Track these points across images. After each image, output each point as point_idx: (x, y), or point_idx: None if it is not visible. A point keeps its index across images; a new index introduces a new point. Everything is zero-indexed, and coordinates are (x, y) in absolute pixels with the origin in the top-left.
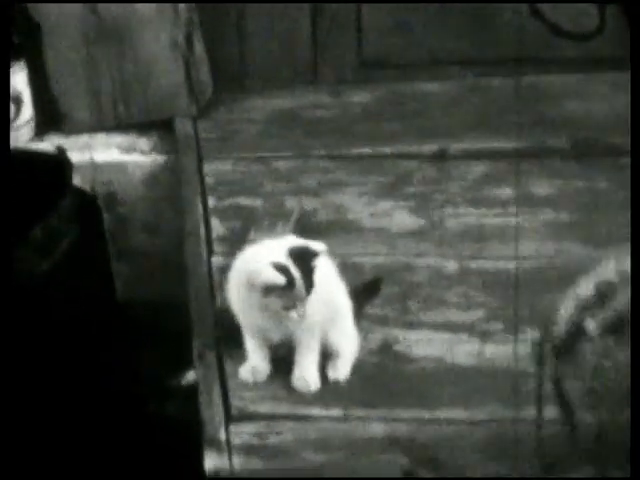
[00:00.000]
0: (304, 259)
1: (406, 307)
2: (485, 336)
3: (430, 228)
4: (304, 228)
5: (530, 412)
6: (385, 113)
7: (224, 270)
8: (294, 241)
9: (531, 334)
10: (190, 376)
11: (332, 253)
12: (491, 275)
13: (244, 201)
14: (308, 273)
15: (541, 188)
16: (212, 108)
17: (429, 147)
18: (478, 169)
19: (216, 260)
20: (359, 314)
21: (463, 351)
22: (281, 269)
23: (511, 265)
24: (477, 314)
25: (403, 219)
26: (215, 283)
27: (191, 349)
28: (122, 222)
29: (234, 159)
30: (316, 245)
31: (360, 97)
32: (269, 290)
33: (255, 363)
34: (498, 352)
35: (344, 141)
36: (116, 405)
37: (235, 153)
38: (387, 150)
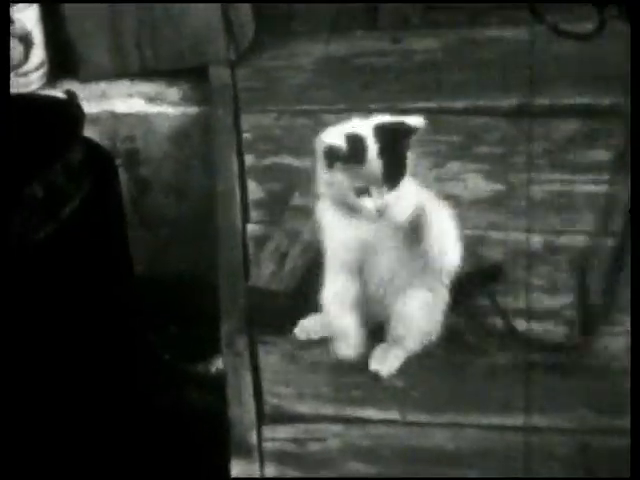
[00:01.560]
0: (393, 135)
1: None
2: (575, 326)
3: (508, 196)
4: None
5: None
6: (453, 62)
7: (261, 241)
8: (387, 118)
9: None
10: (220, 364)
11: None
12: (582, 253)
13: (287, 160)
14: (396, 154)
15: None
16: (252, 53)
17: (507, 101)
18: (566, 127)
19: (252, 228)
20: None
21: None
22: (350, 137)
23: (607, 242)
24: (565, 299)
25: (476, 184)
26: (250, 256)
27: (221, 333)
28: (145, 184)
29: (277, 112)
30: (414, 120)
31: (424, 44)
32: (331, 157)
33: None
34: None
35: (406, 94)
36: (130, 396)
37: (278, 105)
38: (457, 105)
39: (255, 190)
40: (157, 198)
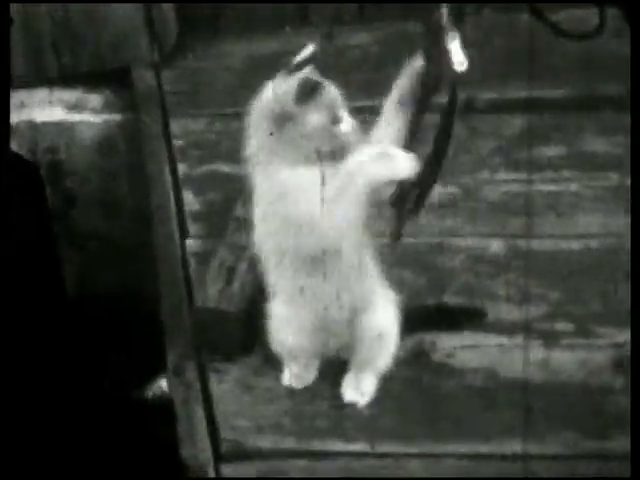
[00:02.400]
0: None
1: (441, 302)
2: (550, 340)
3: (462, 199)
4: None
5: (620, 443)
6: (390, 58)
7: (203, 257)
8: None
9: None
10: (160, 387)
11: None
12: (548, 258)
13: (224, 168)
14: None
15: (599, 145)
16: (178, 54)
17: None
18: (516, 123)
19: (192, 244)
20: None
21: (521, 360)
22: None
23: (575, 245)
24: (536, 310)
25: None
26: (192, 274)
27: (162, 355)
28: (70, 198)
29: (208, 116)
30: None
31: (358, 39)
32: (304, 96)
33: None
34: (568, 361)
35: (342, 93)
36: (63, 423)
37: (209, 109)
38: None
39: (192, 201)
40: (85, 212)
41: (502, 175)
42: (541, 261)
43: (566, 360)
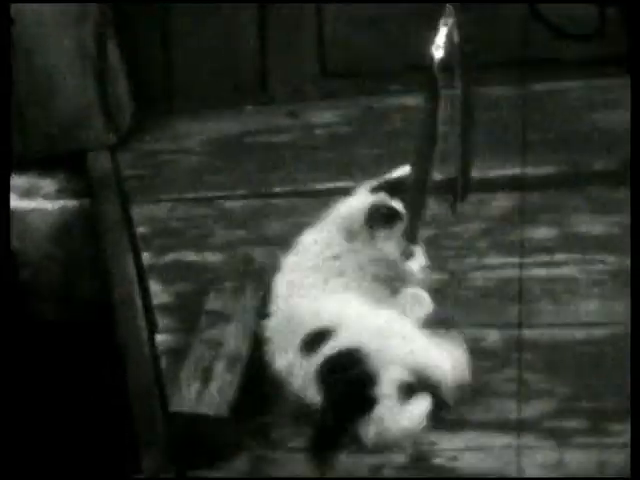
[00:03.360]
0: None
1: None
2: (561, 438)
3: (449, 285)
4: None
5: None
6: (360, 135)
7: (175, 354)
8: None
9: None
10: None
11: None
12: (550, 349)
13: (191, 256)
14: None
15: (592, 226)
16: (134, 135)
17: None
18: (502, 203)
19: (162, 340)
20: None
21: (530, 462)
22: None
23: (578, 334)
24: (543, 406)
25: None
26: (165, 373)
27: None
28: (25, 291)
29: (170, 201)
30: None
31: (324, 117)
32: (376, 221)
33: None
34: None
35: (311, 173)
36: None
37: (171, 194)
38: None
39: (159, 293)
40: (39, 307)
41: (491, 259)
42: (543, 353)
43: (580, 461)
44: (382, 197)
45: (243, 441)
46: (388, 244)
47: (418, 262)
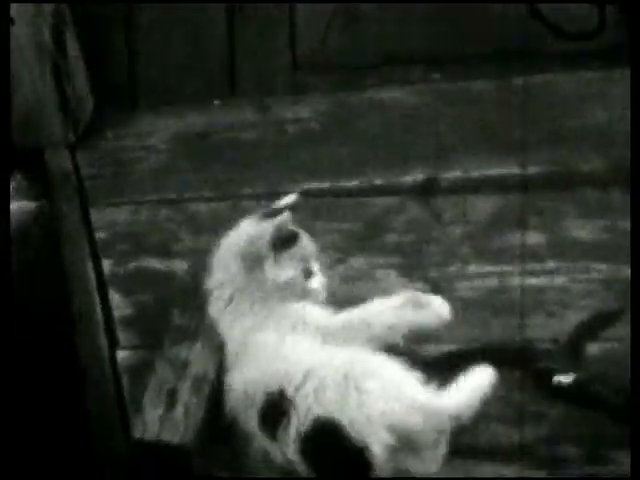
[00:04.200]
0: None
1: None
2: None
3: None
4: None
5: None
6: (334, 132)
7: (137, 373)
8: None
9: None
10: None
11: None
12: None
13: (155, 264)
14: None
15: (582, 231)
16: (95, 133)
17: (410, 177)
18: (485, 205)
19: (124, 357)
20: None
21: None
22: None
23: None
24: (535, 432)
25: (390, 283)
26: (125, 393)
27: None
28: None
29: (133, 204)
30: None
31: (296, 111)
32: (281, 243)
33: None
34: None
35: (283, 173)
36: None
37: (133, 195)
38: (350, 184)
39: (121, 304)
40: None
41: (475, 268)
42: None
43: None
44: (284, 219)
45: (211, 472)
46: (290, 266)
47: (318, 280)
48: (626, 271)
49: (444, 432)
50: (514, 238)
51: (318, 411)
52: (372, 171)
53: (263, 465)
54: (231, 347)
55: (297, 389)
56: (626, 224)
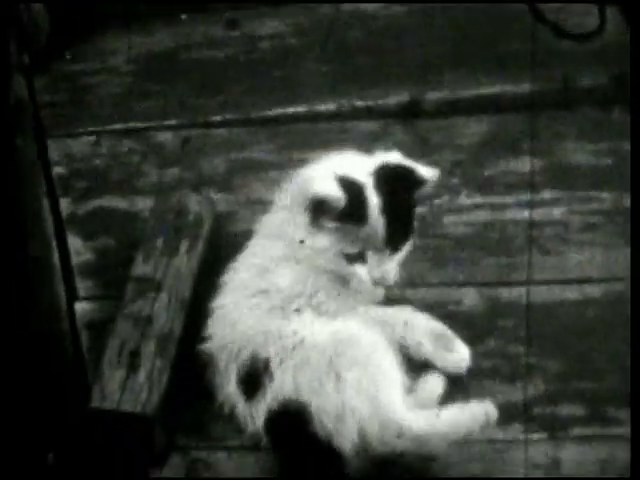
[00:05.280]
0: (399, 185)
1: None
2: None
3: (420, 234)
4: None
5: None
6: (311, 49)
7: (98, 329)
8: (392, 157)
9: None
10: None
11: None
12: (540, 314)
13: (117, 203)
14: (402, 209)
15: (582, 155)
16: (52, 55)
17: (394, 98)
18: (475, 129)
19: (82, 309)
20: None
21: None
22: (346, 184)
23: (570, 294)
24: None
25: None
26: (84, 350)
27: None
28: None
29: (94, 134)
30: (424, 170)
31: (270, 27)
32: (319, 211)
33: None
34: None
35: (258, 97)
36: None
37: (94, 125)
38: (328, 107)
39: (80, 249)
40: None
41: (465, 200)
42: (531, 318)
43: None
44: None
45: (176, 441)
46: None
47: (365, 273)
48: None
49: (407, 452)
50: (507, 165)
51: (290, 392)
52: (353, 92)
53: (231, 432)
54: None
55: (280, 362)
56: (629, 146)
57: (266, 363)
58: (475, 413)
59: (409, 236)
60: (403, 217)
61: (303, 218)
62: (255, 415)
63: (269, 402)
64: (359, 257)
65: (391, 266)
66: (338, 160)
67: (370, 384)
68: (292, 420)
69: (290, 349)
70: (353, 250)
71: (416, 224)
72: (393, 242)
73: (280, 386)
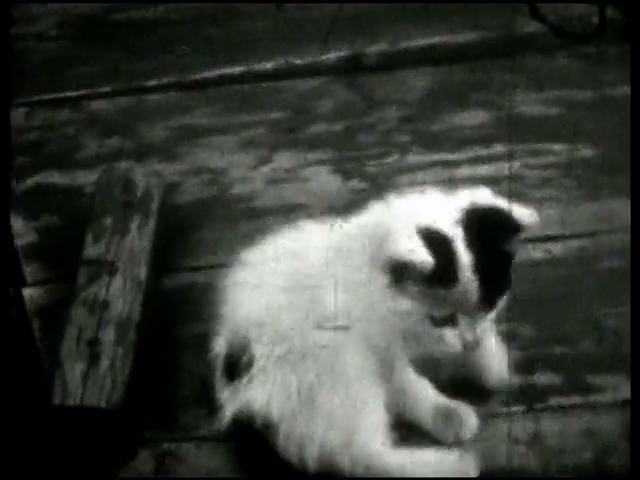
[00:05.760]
0: (490, 233)
1: None
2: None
3: (373, 195)
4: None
5: None
6: (247, 7)
7: (48, 315)
8: (481, 197)
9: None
10: None
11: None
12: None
13: (59, 178)
14: (497, 262)
15: (532, 106)
16: None
17: (333, 54)
18: (420, 82)
19: (31, 296)
20: None
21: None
22: (433, 239)
23: (535, 253)
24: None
25: (324, 183)
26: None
27: None
28: None
29: (27, 104)
30: (521, 211)
31: None
32: (402, 274)
33: None
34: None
35: (193, 59)
36: None
37: (26, 95)
38: (265, 66)
39: (22, 230)
40: None
41: (415, 157)
42: None
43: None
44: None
45: (143, 434)
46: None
47: (461, 334)
48: (586, 151)
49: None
50: (457, 119)
51: (261, 406)
52: (290, 50)
53: (201, 420)
54: None
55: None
56: (583, 94)
57: (249, 362)
58: (456, 466)
59: (505, 291)
60: (499, 271)
61: (381, 279)
62: (228, 404)
63: (237, 405)
64: (449, 320)
65: (485, 326)
66: (417, 202)
67: (347, 419)
68: (255, 435)
69: (275, 358)
70: (441, 314)
71: (513, 275)
72: (488, 300)
73: (253, 396)
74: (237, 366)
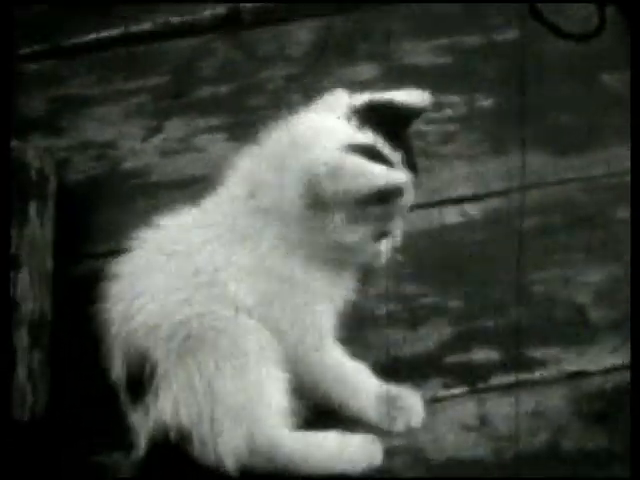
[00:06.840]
0: (397, 124)
1: None
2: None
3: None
4: None
5: None
6: None
7: None
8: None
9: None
10: None
11: None
12: (423, 236)
13: None
14: (410, 151)
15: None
16: None
17: (209, 11)
18: (303, 34)
19: None
20: None
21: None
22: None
23: (452, 215)
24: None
25: (217, 155)
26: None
27: None
28: None
29: None
30: (414, 95)
31: None
32: (363, 202)
33: None
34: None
35: (65, 23)
36: None
37: None
38: (141, 27)
39: None
40: None
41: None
42: (413, 250)
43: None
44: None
45: (70, 445)
46: (368, 225)
47: (387, 241)
48: (484, 101)
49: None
50: (345, 72)
51: (164, 414)
52: (167, 9)
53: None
54: None
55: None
56: (471, 40)
57: (152, 369)
58: (359, 450)
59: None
60: (413, 160)
61: (338, 217)
62: (139, 429)
63: (150, 424)
64: (386, 232)
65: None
66: (321, 119)
67: (246, 408)
68: (174, 451)
69: (175, 354)
70: (385, 228)
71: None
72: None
73: (162, 408)
74: (141, 381)
